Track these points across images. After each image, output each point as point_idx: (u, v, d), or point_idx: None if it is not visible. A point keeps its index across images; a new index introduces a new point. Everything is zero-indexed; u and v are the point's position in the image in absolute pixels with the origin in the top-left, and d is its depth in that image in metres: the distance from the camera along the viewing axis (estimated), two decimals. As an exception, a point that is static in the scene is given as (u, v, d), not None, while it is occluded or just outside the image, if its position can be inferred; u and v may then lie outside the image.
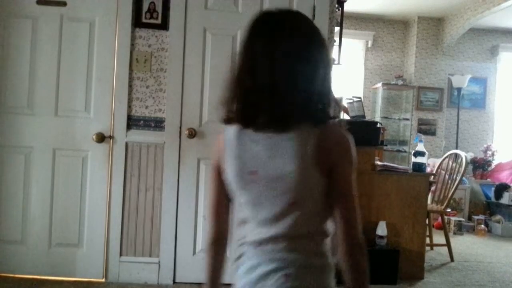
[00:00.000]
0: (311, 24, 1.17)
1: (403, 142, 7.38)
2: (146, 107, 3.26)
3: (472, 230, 6.07)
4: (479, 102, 7.90)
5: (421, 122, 7.47)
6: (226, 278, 1.29)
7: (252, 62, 1.12)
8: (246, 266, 1.16)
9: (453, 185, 4.50)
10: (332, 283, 1.14)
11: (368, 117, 5.88)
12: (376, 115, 7.40)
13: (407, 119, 7.38)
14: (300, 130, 1.10)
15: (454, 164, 4.66)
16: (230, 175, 1.18)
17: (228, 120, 1.20)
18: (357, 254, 1.10)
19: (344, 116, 4.40)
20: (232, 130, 1.19)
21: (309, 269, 1.11)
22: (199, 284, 3.27)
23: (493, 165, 7.26)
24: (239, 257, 1.19)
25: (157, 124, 3.26)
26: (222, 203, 1.25)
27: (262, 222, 1.14)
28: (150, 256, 3.26)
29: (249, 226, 1.17)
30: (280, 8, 1.15)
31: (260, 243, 1.14)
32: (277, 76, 1.09)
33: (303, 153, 1.08)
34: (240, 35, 3.27)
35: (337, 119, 1.16)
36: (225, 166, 1.18)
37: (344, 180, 1.11)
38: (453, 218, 5.99)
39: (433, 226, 5.14)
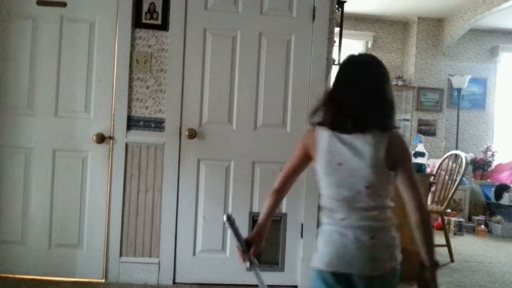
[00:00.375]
0: (381, 63, 1.70)
1: (403, 143, 7.36)
2: (146, 108, 3.26)
3: (472, 231, 6.07)
4: (479, 103, 7.89)
5: (421, 123, 7.47)
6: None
7: (344, 87, 1.65)
8: (334, 233, 1.62)
9: (453, 185, 4.51)
10: (395, 234, 1.65)
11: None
12: (376, 116, 7.39)
13: (407, 120, 7.38)
14: (374, 136, 1.59)
15: (454, 165, 4.66)
16: (320, 162, 1.65)
17: (319, 124, 1.68)
18: (426, 219, 1.60)
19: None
20: (324, 131, 1.65)
21: (381, 229, 1.62)
22: (199, 284, 3.28)
23: (493, 166, 7.26)
24: (327, 226, 1.66)
25: (157, 124, 3.26)
26: (295, 171, 1.78)
27: (343, 199, 1.61)
28: (150, 256, 3.26)
29: (332, 202, 1.64)
30: (360, 53, 1.78)
31: (345, 215, 1.61)
32: (361, 97, 1.61)
33: (377, 154, 1.58)
34: (240, 36, 3.27)
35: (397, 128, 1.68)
36: (316, 155, 1.66)
37: (408, 171, 1.62)
38: (453, 219, 5.99)
39: (433, 227, 5.14)
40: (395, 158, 1.60)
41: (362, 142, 1.60)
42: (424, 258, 1.61)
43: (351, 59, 1.72)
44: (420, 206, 1.60)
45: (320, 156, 1.65)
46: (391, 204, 1.67)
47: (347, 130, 1.61)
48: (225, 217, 1.70)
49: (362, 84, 1.63)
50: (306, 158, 1.74)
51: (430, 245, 1.61)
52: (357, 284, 1.60)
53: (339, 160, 1.61)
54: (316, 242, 1.70)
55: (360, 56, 1.77)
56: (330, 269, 1.61)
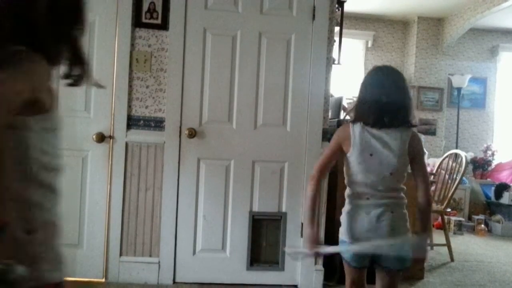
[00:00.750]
0: (402, 73, 2.14)
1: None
2: (146, 107, 3.26)
3: (472, 230, 6.07)
4: (479, 102, 7.90)
5: (421, 122, 7.46)
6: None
7: (379, 92, 2.00)
8: (360, 211, 1.99)
9: (453, 185, 4.50)
10: (406, 211, 2.04)
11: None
12: (376, 115, 7.38)
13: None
14: (401, 133, 1.99)
15: (454, 164, 4.66)
16: (354, 153, 2.00)
17: (353, 121, 2.04)
18: (429, 200, 2.07)
19: (344, 116, 4.39)
20: (357, 127, 2.01)
21: (397, 205, 2.01)
22: (199, 284, 3.28)
23: (493, 165, 7.26)
24: (353, 206, 2.02)
25: (157, 124, 3.26)
26: (331, 162, 2.10)
27: (370, 183, 1.99)
28: (150, 256, 3.26)
29: (360, 185, 2.01)
30: (385, 65, 2.17)
31: (370, 195, 2.00)
32: (394, 100, 1.99)
33: (402, 147, 1.99)
34: (240, 35, 3.27)
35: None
36: (349, 147, 2.01)
37: (422, 163, 2.06)
38: (453, 218, 5.99)
39: (433, 226, 5.14)
40: (414, 151, 2.01)
41: (391, 137, 1.99)
42: (420, 228, 2.06)
43: (381, 69, 2.12)
44: (428, 191, 2.08)
45: (354, 148, 2.00)
46: (404, 187, 2.06)
47: (379, 126, 1.99)
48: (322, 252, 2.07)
49: (394, 90, 2.01)
50: (339, 151, 2.07)
51: (427, 219, 2.11)
52: (379, 253, 1.98)
53: (370, 151, 1.99)
54: (343, 219, 2.06)
55: (387, 67, 2.15)
56: (349, 239, 2.01)
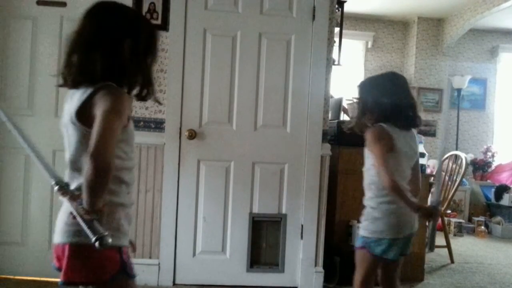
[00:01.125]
0: None
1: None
2: (146, 108, 3.25)
3: (472, 232, 6.07)
4: (479, 103, 7.89)
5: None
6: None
7: (402, 95, 2.20)
8: (394, 207, 2.11)
9: (453, 186, 4.50)
10: None
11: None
12: (376, 116, 7.36)
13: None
14: (413, 134, 2.25)
15: (454, 166, 4.65)
16: (395, 152, 2.12)
17: (376, 121, 2.18)
18: (419, 187, 2.28)
19: (344, 117, 4.39)
20: (390, 128, 2.15)
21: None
22: (199, 285, 3.27)
23: (493, 167, 7.25)
24: (395, 202, 2.10)
25: (157, 125, 3.25)
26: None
27: (402, 179, 2.13)
28: (150, 257, 3.25)
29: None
30: (392, 71, 2.44)
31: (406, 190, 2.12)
32: (413, 103, 2.23)
33: (417, 147, 2.27)
34: (240, 36, 3.27)
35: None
36: (393, 147, 2.12)
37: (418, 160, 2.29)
38: (453, 220, 5.98)
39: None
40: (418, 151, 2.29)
41: (412, 137, 2.23)
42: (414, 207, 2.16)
43: (395, 74, 2.31)
44: (419, 183, 2.28)
45: (396, 148, 2.13)
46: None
47: (405, 127, 2.20)
48: None
49: (408, 94, 2.23)
50: (390, 152, 2.13)
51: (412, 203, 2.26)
52: (402, 243, 2.14)
53: (405, 150, 2.16)
54: (381, 217, 2.13)
55: (397, 72, 2.37)
56: (394, 236, 2.12)
